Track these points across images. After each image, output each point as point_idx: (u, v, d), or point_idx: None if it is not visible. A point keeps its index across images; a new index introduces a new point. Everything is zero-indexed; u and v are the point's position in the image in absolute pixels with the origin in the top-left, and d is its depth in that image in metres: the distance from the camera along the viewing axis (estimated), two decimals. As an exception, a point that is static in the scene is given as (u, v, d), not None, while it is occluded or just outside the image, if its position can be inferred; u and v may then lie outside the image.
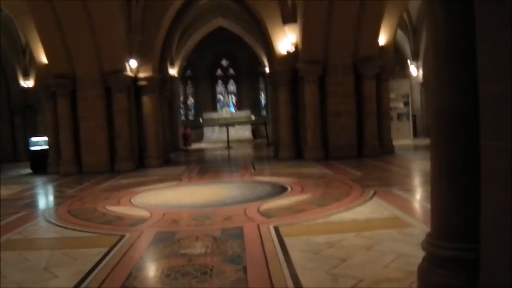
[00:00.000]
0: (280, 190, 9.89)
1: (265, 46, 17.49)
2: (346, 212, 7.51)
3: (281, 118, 16.55)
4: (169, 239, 6.24)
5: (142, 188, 11.21)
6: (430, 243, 3.88)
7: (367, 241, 5.79)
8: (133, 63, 15.78)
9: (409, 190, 9.29)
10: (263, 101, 35.31)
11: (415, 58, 25.90)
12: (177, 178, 12.93)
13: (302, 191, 9.66)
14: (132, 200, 9.56)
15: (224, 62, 34.96)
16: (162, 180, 12.70)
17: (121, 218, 7.84)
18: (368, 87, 15.98)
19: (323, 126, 15.94)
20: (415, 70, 25.89)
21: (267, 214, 7.52)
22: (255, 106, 34.28)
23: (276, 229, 6.49)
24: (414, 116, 24.67)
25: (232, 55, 34.20)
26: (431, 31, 3.79)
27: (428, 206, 7.88)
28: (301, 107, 16.19)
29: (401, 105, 22.51)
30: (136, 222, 7.44)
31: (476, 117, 3.22)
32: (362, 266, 4.86)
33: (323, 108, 15.93)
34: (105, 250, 5.84)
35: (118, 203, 9.33)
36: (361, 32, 15.46)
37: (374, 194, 8.87)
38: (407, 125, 22.56)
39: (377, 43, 16.07)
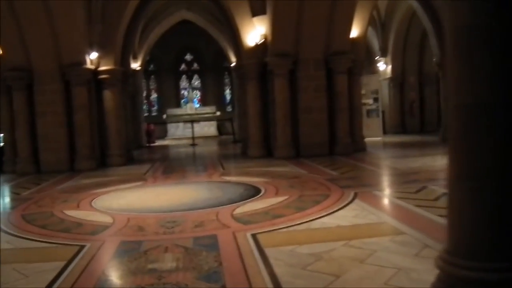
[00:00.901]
0: (253, 191, 9.23)
1: (233, 39, 16.77)
2: (328, 217, 6.91)
3: (250, 114, 15.88)
4: (134, 251, 5.52)
5: (104, 190, 10.39)
6: (448, 261, 3.28)
7: (359, 251, 5.20)
8: (93, 55, 14.84)
9: (391, 191, 8.76)
10: (228, 97, 34.58)
11: (383, 53, 25.58)
12: (142, 178, 12.13)
13: (277, 192, 9.02)
14: (93, 203, 8.76)
15: (188, 57, 34.06)
16: (125, 180, 11.89)
17: (80, 224, 7.07)
18: (340, 82, 15.44)
19: (294, 123, 15.34)
20: (383, 66, 25.57)
21: (242, 220, 6.86)
22: (220, 102, 33.50)
23: (255, 238, 5.85)
24: (382, 112, 24.34)
25: (197, 50, 33.34)
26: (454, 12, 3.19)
27: (414, 209, 7.53)
28: (271, 102, 15.54)
29: (370, 101, 22.09)
30: (97, 229, 6.68)
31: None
32: (359, 283, 4.27)
33: (293, 104, 15.32)
34: (62, 264, 5.10)
35: (77, 207, 8.52)
36: (333, 24, 14.89)
37: (355, 196, 8.30)
38: (377, 122, 22.17)
39: (349, 36, 15.53)
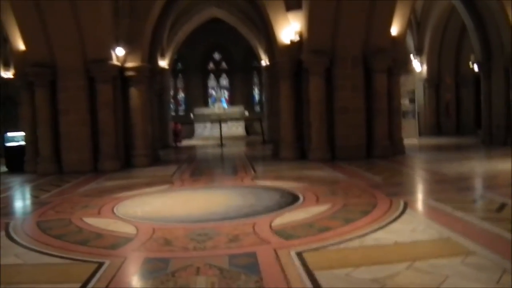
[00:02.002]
0: (291, 198, 8.37)
1: (266, 36, 15.96)
2: (382, 231, 6.01)
3: (283, 114, 15.01)
4: (161, 271, 4.71)
5: (127, 194, 9.62)
6: None
7: (428, 277, 4.33)
8: (119, 51, 14.15)
9: (445, 200, 7.78)
10: (257, 97, 33.75)
11: (419, 53, 24.53)
12: (168, 181, 11.34)
13: (318, 200, 8.15)
14: (115, 209, 7.99)
15: (217, 56, 33.33)
16: (150, 183, 11.12)
17: (100, 235, 6.27)
18: (379, 81, 14.49)
19: (330, 124, 14.44)
20: (418, 66, 24.51)
21: (283, 233, 5.99)
22: (248, 102, 32.72)
23: (301, 257, 4.99)
24: (418, 113, 23.31)
25: (225, 48, 32.60)
26: None
27: (477, 221, 6.59)
28: (305, 102, 14.67)
29: (406, 101, 21.03)
30: (118, 242, 5.88)
31: None
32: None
33: (329, 104, 14.43)
34: (75, 287, 4.31)
35: (98, 213, 7.76)
36: (373, 20, 13.97)
37: (406, 205, 7.39)
38: (413, 123, 21.10)
39: (390, 33, 14.58)
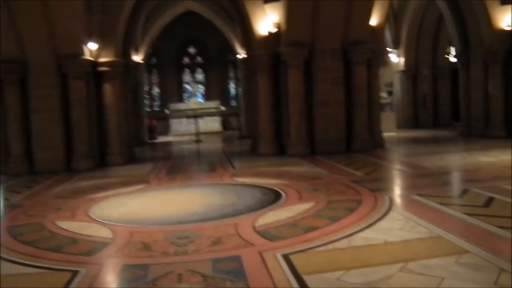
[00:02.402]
0: (273, 196, 8.12)
1: (242, 28, 15.60)
2: (370, 230, 5.80)
3: (261, 108, 14.72)
4: (140, 279, 4.43)
5: (102, 194, 9.26)
6: None
7: (423, 279, 4.15)
8: (92, 46, 13.68)
9: (430, 195, 7.60)
10: (233, 91, 33.36)
11: (396, 45, 24.44)
12: (144, 180, 10.96)
13: (301, 197, 7.90)
14: (90, 211, 7.63)
15: (192, 50, 32.74)
16: (126, 182, 10.73)
17: (75, 241, 5.93)
18: (359, 74, 14.29)
19: (309, 118, 14.20)
20: (395, 58, 24.43)
21: (267, 234, 5.74)
22: (224, 96, 32.24)
23: (288, 260, 4.75)
24: (395, 106, 23.28)
25: (201, 42, 32.06)
26: None
27: (466, 218, 6.40)
28: (284, 96, 14.40)
29: (384, 94, 20.95)
30: (94, 248, 5.56)
31: None
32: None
33: (308, 98, 14.18)
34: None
35: (72, 216, 7.40)
36: (353, 11, 13.75)
37: (391, 202, 7.22)
38: (391, 116, 21.05)
39: (369, 24, 14.38)
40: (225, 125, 30.18)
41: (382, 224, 6.04)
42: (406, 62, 24.40)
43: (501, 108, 16.82)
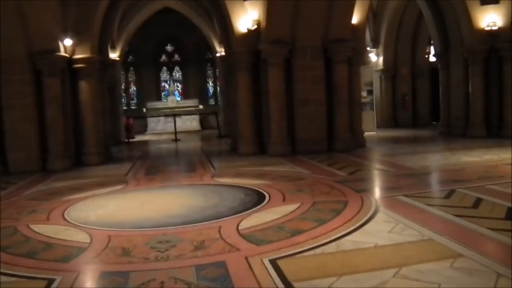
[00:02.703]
0: (256, 197, 7.89)
1: (222, 25, 15.32)
2: (359, 232, 5.61)
3: (241, 107, 14.46)
4: (120, 287, 4.14)
5: (79, 195, 8.91)
6: None
7: (418, 285, 3.96)
8: (67, 41, 13.27)
9: (416, 196, 7.46)
10: (211, 89, 33.04)
11: (375, 44, 24.40)
12: (122, 181, 10.61)
13: (284, 199, 7.69)
14: (66, 214, 7.31)
15: (169, 47, 32.31)
16: (103, 183, 10.37)
17: (49, 246, 5.62)
18: (340, 72, 14.13)
19: (290, 117, 14.00)
20: (374, 57, 24.39)
21: (252, 238, 5.50)
22: (202, 95, 31.90)
23: (275, 266, 4.53)
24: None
25: (178, 40, 31.66)
26: None
27: (456, 220, 6.21)
28: (264, 94, 14.18)
29: (364, 93, 20.81)
30: (70, 253, 5.26)
31: None
32: None
33: (289, 96, 13.98)
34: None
35: (47, 219, 7.07)
36: (334, 9, 13.58)
37: (378, 203, 7.04)
38: (371, 115, 20.94)
39: (351, 22, 14.23)
40: (203, 124, 29.85)
41: (371, 226, 5.86)
42: (385, 61, 24.37)
43: (481, 107, 16.84)
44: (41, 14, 12.50)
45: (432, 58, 25.89)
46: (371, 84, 21.32)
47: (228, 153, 15.38)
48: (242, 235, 5.62)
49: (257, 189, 8.55)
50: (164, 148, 19.34)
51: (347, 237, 5.42)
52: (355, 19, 14.73)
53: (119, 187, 9.75)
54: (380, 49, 24.24)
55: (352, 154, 13.38)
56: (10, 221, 6.99)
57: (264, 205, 7.26)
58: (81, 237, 5.86)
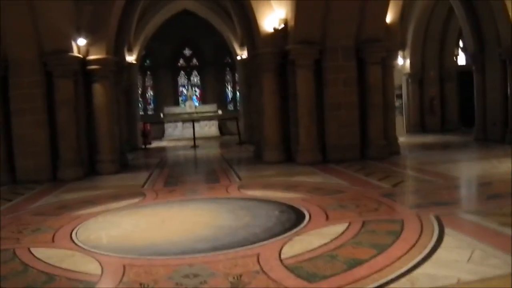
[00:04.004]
0: (293, 214, 6.81)
1: (245, 25, 14.34)
2: (430, 263, 4.53)
3: (267, 111, 13.40)
4: None
5: (90, 210, 7.88)
6: None
7: None
8: (81, 41, 12.31)
9: (481, 212, 6.36)
10: (230, 94, 32.07)
11: (401, 46, 23.24)
12: (139, 193, 9.54)
13: (328, 217, 6.59)
14: (74, 234, 6.28)
15: (187, 52, 31.45)
16: (118, 195, 9.33)
17: (51, 278, 4.57)
18: (373, 74, 13.04)
19: (320, 122, 12.93)
20: (401, 60, 23.24)
21: (301, 271, 4.42)
22: (221, 100, 30.97)
23: (339, 314, 3.44)
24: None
25: (196, 44, 30.79)
26: None
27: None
28: (292, 98, 13.13)
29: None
30: (75, 290, 4.23)
31: None
32: None
33: (319, 100, 12.92)
34: None
35: (52, 241, 6.04)
36: (368, 6, 12.49)
37: (440, 222, 5.92)
38: (400, 120, 19.79)
39: (385, 20, 13.14)
40: (222, 130, 28.92)
41: (442, 254, 4.76)
42: (412, 64, 23.31)
43: (521, 111, 15.67)
44: (53, 11, 11.54)
45: (461, 61, 24.92)
46: (400, 87, 20.24)
47: (252, 161, 14.33)
48: (287, 267, 4.55)
49: (292, 204, 7.47)
50: (183, 155, 18.34)
51: (420, 270, 4.33)
52: (389, 18, 13.62)
53: (135, 200, 8.69)
54: (407, 51, 23.14)
55: (388, 162, 12.29)
56: (10, 242, 5.98)
57: (306, 225, 6.17)
58: (90, 267, 4.83)
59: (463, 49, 24.52)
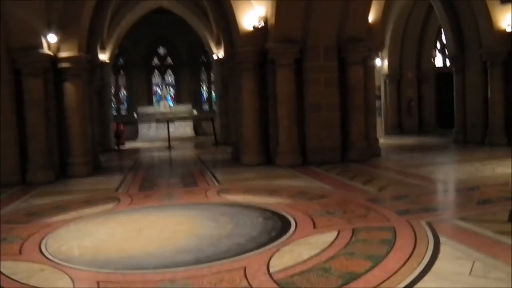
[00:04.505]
0: (279, 221, 6.44)
1: (224, 23, 13.96)
2: (430, 276, 4.23)
3: (246, 112, 13.01)
4: None
5: (61, 217, 7.38)
6: None
7: None
8: (52, 38, 11.75)
9: (475, 219, 6.08)
10: (205, 94, 31.56)
11: (380, 48, 23.09)
12: (113, 197, 9.04)
13: (315, 225, 6.24)
14: (43, 244, 5.80)
15: (162, 50, 30.83)
16: (91, 200, 8.83)
17: (16, 297, 4.15)
18: (355, 74, 12.77)
19: (300, 123, 12.60)
20: (378, 61, 23.05)
21: (293, 287, 4.06)
22: (196, 100, 30.43)
23: None
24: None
25: (171, 43, 30.20)
26: None
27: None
28: (271, 98, 12.78)
29: (372, 98, 19.49)
30: (43, 312, 3.79)
31: None
32: None
33: (299, 101, 12.59)
34: None
35: (19, 252, 5.56)
36: (350, 4, 12.21)
37: (434, 230, 5.62)
38: (379, 122, 19.55)
39: (367, 19, 12.88)
40: (197, 130, 28.43)
41: (442, 266, 4.44)
42: (390, 65, 23.29)
43: (501, 113, 15.64)
44: (21, 5, 10.97)
45: (438, 63, 24.89)
46: (378, 88, 20.02)
47: (230, 163, 13.93)
48: (277, 282, 4.17)
49: (276, 210, 7.10)
50: (158, 156, 17.84)
51: (421, 284, 4.02)
52: (371, 17, 13.38)
53: (109, 206, 8.20)
54: (385, 52, 22.97)
55: (370, 165, 12.03)
56: (-28, 255, 5.48)
57: (293, 233, 5.81)
58: (61, 283, 4.38)
59: (440, 51, 24.51)
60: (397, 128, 23.27)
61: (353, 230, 5.78)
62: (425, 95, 23.93)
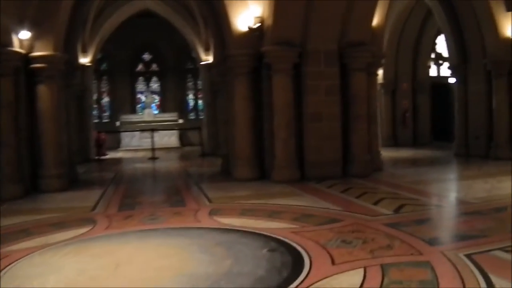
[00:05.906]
0: (288, 255, 5.31)
1: (215, 25, 12.87)
2: None
3: (239, 121, 11.87)
4: None
5: (25, 244, 6.13)
6: None
7: None
8: (24, 34, 10.52)
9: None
10: (191, 103, 30.37)
11: (384, 54, 22.21)
12: (88, 219, 7.77)
13: (333, 260, 5.10)
14: (-4, 283, 4.62)
15: (147, 56, 29.57)
16: (63, 222, 7.55)
17: None
18: (358, 81, 11.71)
19: (298, 135, 11.51)
20: (374, 70, 22.14)
21: None
22: (182, 108, 29.24)
23: None
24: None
25: (156, 48, 28.98)
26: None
27: None
28: (267, 107, 11.68)
29: (368, 109, 18.50)
30: None
31: None
32: None
33: (297, 110, 11.51)
34: None
35: (-38, 296, 4.37)
36: (354, 6, 11.18)
37: (480, 268, 4.56)
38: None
39: (371, 23, 11.87)
40: (183, 140, 27.20)
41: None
42: (385, 74, 22.27)
43: (507, 125, 14.73)
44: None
45: (433, 72, 24.00)
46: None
47: (220, 177, 12.75)
48: None
49: (282, 238, 5.97)
50: (141, 168, 16.59)
51: None
52: (374, 21, 12.36)
53: (83, 230, 6.93)
54: (382, 61, 22.01)
55: (375, 181, 11.00)
56: None
57: (308, 273, 4.67)
58: None
59: (435, 60, 23.68)
60: (392, 140, 22.28)
61: (382, 268, 4.68)
62: (421, 106, 23.01)
